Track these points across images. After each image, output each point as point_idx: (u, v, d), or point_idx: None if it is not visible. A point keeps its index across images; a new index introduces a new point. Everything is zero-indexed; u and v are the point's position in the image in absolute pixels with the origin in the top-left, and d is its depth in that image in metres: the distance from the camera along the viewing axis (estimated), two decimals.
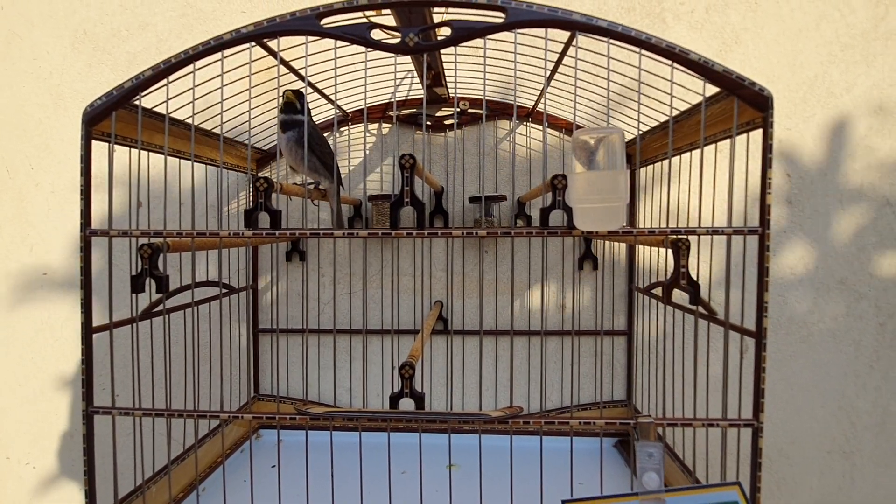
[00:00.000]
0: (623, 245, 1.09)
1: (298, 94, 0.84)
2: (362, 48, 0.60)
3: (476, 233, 0.60)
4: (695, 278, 0.61)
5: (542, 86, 0.95)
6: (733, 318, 0.60)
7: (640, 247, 1.07)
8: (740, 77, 0.56)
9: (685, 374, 0.74)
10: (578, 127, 0.70)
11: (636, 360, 1.07)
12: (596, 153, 0.53)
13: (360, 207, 1.11)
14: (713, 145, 0.73)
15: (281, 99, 0.81)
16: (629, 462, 0.95)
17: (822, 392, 1.08)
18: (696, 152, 0.79)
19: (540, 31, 0.63)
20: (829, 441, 1.08)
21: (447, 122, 1.10)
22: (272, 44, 0.68)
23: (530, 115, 1.07)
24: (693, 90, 0.62)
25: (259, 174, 1.13)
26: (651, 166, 1.03)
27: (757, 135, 0.58)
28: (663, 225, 1.01)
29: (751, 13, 1.06)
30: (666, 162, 0.96)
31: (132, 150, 0.69)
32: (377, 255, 1.12)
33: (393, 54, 0.61)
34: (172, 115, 0.68)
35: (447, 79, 0.97)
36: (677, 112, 0.70)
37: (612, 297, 1.09)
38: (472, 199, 1.07)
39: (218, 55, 0.61)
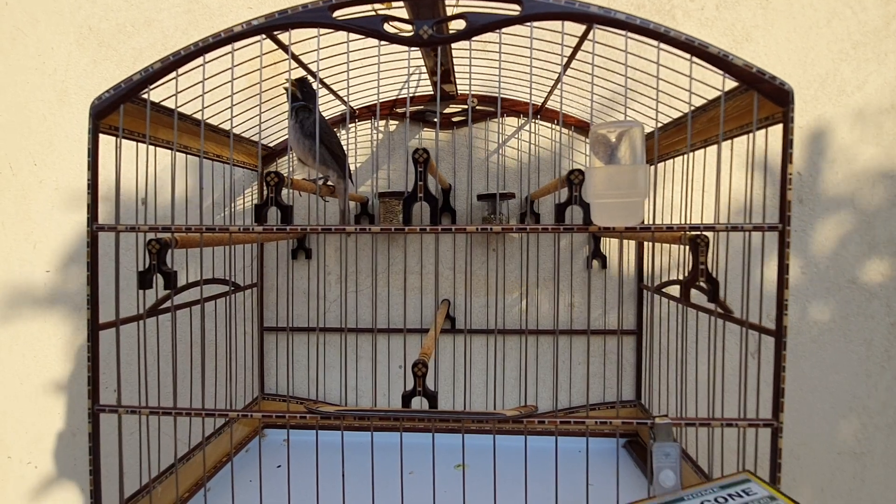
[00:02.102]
0: (632, 243, 1.08)
1: (300, 82, 0.83)
2: (371, 43, 0.59)
3: (490, 228, 0.59)
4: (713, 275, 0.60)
5: (551, 83, 0.94)
6: (743, 316, 0.59)
7: (648, 246, 1.06)
8: (761, 71, 0.55)
9: (698, 374, 0.73)
10: (592, 123, 0.69)
11: (645, 360, 1.06)
12: (615, 148, 0.52)
13: (367, 204, 1.10)
14: (728, 142, 0.72)
15: (291, 88, 0.80)
16: (639, 463, 0.94)
17: (832, 392, 1.07)
18: (710, 149, 0.79)
19: (552, 25, 0.62)
20: (840, 442, 1.07)
21: (455, 120, 1.09)
22: (283, 37, 0.67)
23: (540, 111, 1.06)
24: (709, 84, 0.61)
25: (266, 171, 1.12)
26: (663, 163, 1.02)
27: (769, 131, 0.57)
28: (676, 222, 1.00)
29: (761, 10, 1.05)
30: (676, 158, 0.95)
31: (139, 144, 0.68)
32: (384, 252, 1.11)
33: (406, 48, 0.60)
34: (180, 109, 0.67)
35: (456, 75, 0.96)
36: (694, 108, 0.69)
37: (620, 296, 1.08)
38: (481, 197, 1.06)
39: (228, 48, 0.60)
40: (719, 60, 0.55)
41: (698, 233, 0.59)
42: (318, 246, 1.12)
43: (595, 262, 1.08)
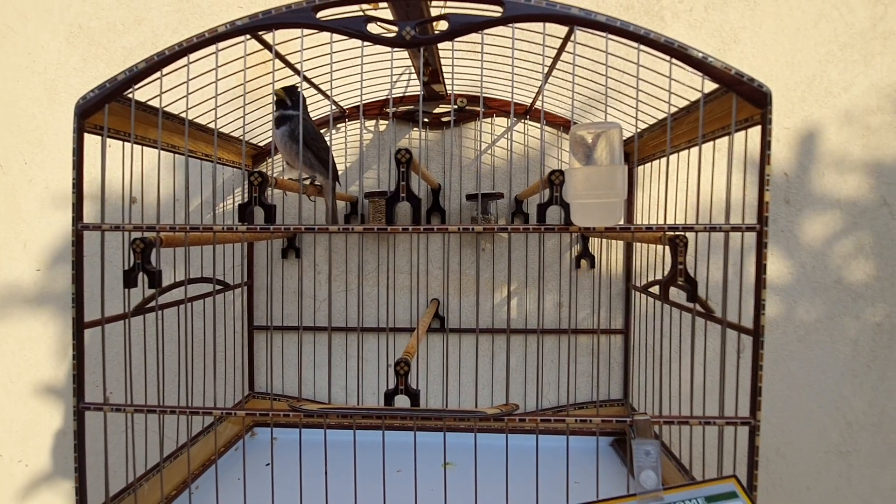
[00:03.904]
0: (620, 243, 1.08)
1: (289, 90, 0.84)
2: (358, 43, 0.59)
3: (472, 228, 0.60)
4: (692, 276, 0.60)
5: (538, 83, 0.94)
6: (728, 316, 0.59)
7: (638, 245, 1.06)
8: (739, 73, 0.55)
9: (682, 372, 0.74)
10: (575, 123, 0.69)
11: (633, 359, 1.06)
12: (594, 149, 0.52)
13: (356, 204, 1.10)
14: (711, 143, 0.72)
15: (279, 96, 0.80)
16: (625, 461, 0.94)
17: (818, 392, 1.08)
18: (692, 151, 0.79)
19: (537, 27, 0.62)
20: (826, 441, 1.08)
21: (444, 120, 1.09)
22: (268, 37, 0.68)
23: (529, 112, 1.07)
24: (690, 86, 0.62)
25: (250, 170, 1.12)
26: (648, 164, 1.02)
27: (754, 132, 0.57)
28: (660, 222, 1.01)
29: (749, 11, 1.06)
30: (661, 160, 0.95)
31: (125, 144, 0.68)
32: (373, 252, 1.12)
33: (389, 48, 0.60)
34: (166, 109, 0.67)
35: (444, 76, 0.97)
36: (675, 110, 0.70)
37: (609, 296, 1.09)
38: (470, 197, 1.07)
39: (212, 48, 0.60)
40: (698, 63, 0.55)
41: (677, 233, 0.60)
42: (308, 245, 1.12)
43: (583, 262, 1.08)
